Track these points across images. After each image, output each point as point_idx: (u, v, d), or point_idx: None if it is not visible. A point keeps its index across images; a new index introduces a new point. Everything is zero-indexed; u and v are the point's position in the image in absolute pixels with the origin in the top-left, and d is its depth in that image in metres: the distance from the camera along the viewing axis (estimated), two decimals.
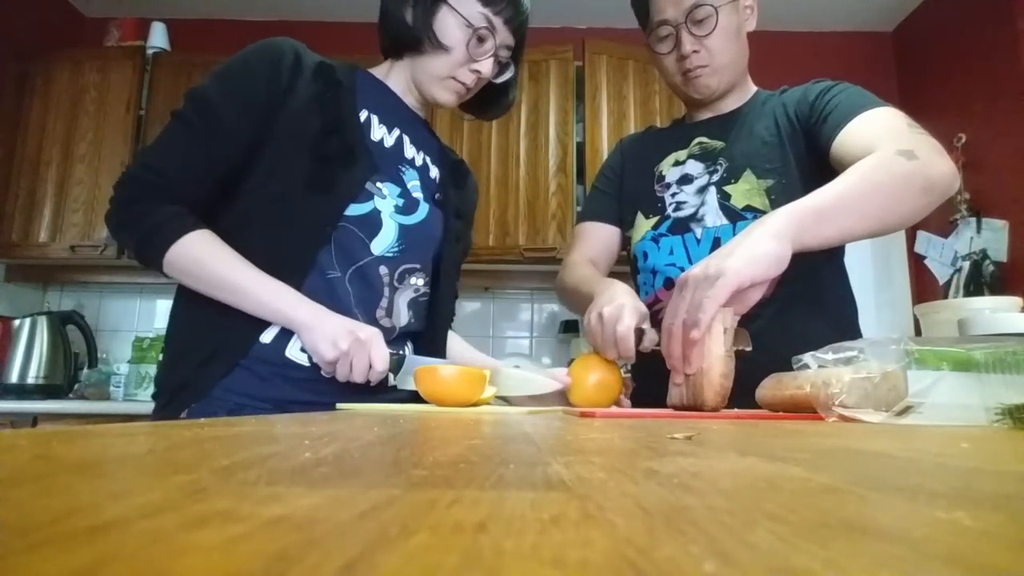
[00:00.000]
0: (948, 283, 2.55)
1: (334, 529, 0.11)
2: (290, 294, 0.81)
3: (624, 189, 1.14)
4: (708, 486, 0.17)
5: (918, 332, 1.30)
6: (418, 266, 0.94)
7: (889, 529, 0.12)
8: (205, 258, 0.81)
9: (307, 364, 0.83)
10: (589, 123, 2.59)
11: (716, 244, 0.98)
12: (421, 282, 0.95)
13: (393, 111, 0.97)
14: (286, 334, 0.82)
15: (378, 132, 0.93)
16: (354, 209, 0.86)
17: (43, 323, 2.41)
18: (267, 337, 0.82)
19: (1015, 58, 2.37)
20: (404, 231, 0.91)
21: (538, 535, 0.11)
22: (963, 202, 2.49)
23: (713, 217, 1.00)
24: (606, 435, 0.36)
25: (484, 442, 0.30)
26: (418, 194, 0.95)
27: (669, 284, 1.00)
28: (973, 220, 2.46)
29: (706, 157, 1.04)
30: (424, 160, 1.00)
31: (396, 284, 0.91)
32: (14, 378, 2.33)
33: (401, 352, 0.85)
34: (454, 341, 1.08)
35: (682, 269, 0.99)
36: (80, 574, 0.08)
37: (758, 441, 0.33)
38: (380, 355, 0.80)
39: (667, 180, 1.06)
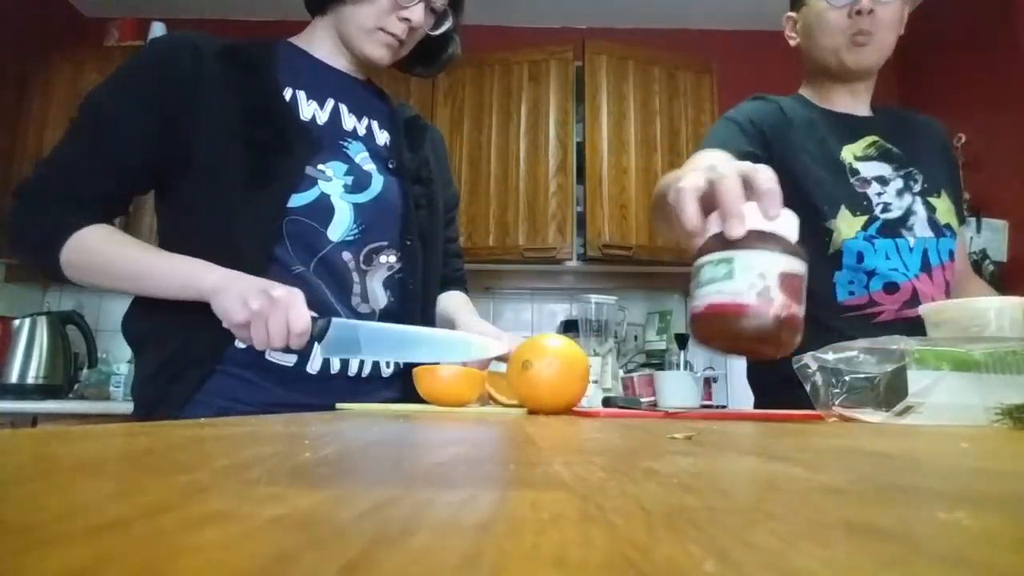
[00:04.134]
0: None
1: (334, 529, 0.11)
2: (196, 264, 0.75)
3: (797, 166, 1.00)
4: (708, 486, 0.17)
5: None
6: (385, 243, 0.88)
7: (889, 529, 0.12)
8: (101, 249, 0.76)
9: (291, 365, 0.79)
10: (589, 123, 2.59)
11: (925, 256, 0.98)
12: (393, 259, 0.89)
13: (322, 81, 0.89)
14: None
15: (308, 109, 0.86)
16: (298, 199, 0.80)
17: (43, 323, 2.41)
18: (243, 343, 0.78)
19: (1015, 58, 2.37)
20: (360, 210, 0.85)
21: (538, 535, 0.11)
22: (963, 202, 2.49)
23: (921, 227, 0.99)
24: (606, 435, 0.36)
25: (484, 442, 0.30)
26: (369, 166, 0.88)
27: (889, 288, 0.97)
28: (973, 220, 2.46)
29: (891, 160, 1.03)
30: (369, 127, 0.92)
31: (364, 267, 0.86)
32: (14, 378, 2.33)
33: (327, 317, 0.77)
34: (451, 301, 1.02)
35: (905, 275, 0.97)
36: (80, 574, 0.08)
37: (758, 441, 0.33)
38: (298, 316, 0.71)
39: (863, 175, 1.01)
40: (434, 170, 1.01)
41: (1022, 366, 0.50)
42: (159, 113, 0.79)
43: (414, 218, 0.92)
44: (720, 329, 0.49)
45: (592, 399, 0.91)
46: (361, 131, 0.91)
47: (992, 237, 2.41)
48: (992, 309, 0.65)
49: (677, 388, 1.41)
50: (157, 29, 2.79)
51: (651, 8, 2.96)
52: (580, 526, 0.12)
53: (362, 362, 0.85)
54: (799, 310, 0.49)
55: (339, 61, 0.92)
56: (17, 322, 2.40)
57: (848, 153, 1.03)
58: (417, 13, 0.85)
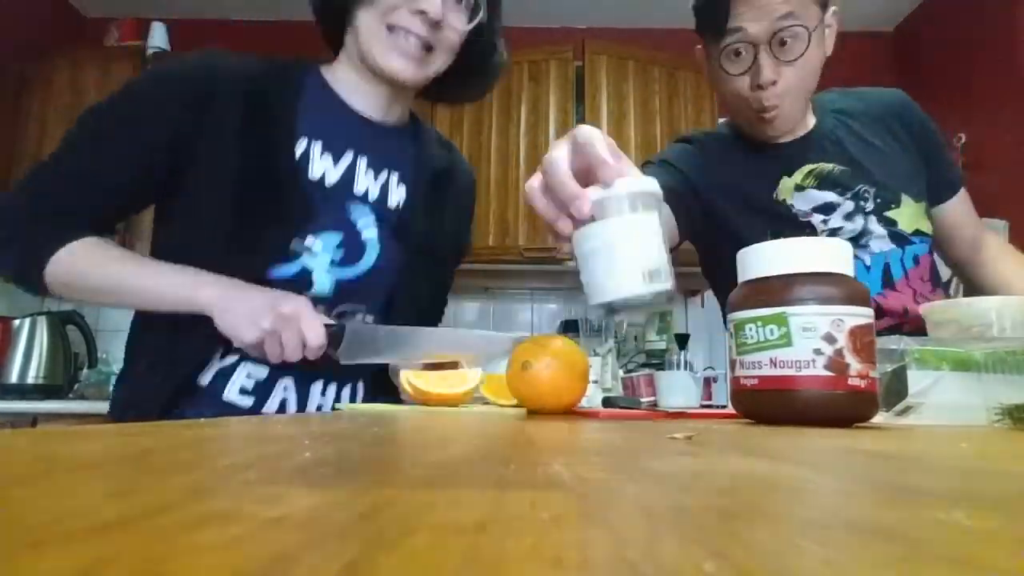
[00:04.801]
0: (948, 283, 2.55)
1: (334, 529, 0.11)
2: (188, 275, 0.71)
3: (725, 217, 0.95)
4: (708, 486, 0.17)
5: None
6: (363, 307, 0.84)
7: (889, 529, 0.12)
8: (87, 264, 0.72)
9: (247, 407, 0.76)
10: (589, 123, 2.59)
11: (887, 270, 0.92)
12: (370, 319, 0.85)
13: (345, 130, 0.83)
14: (223, 376, 0.75)
15: (320, 166, 0.79)
16: (278, 271, 0.76)
17: (43, 323, 2.41)
18: (204, 379, 0.75)
19: (1015, 58, 2.37)
20: (341, 285, 0.80)
21: (538, 535, 0.11)
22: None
23: (878, 243, 0.93)
24: (606, 435, 0.36)
25: (484, 442, 0.30)
26: (371, 232, 0.82)
27: None
28: None
29: (835, 184, 0.93)
30: (386, 183, 0.85)
31: (336, 319, 0.81)
32: (14, 378, 2.33)
33: (341, 322, 0.74)
34: None
35: None
36: (80, 574, 0.08)
37: (758, 441, 0.33)
38: (312, 329, 0.68)
39: (801, 208, 0.93)
40: (449, 224, 0.94)
41: (1022, 366, 0.50)
42: (159, 147, 0.75)
43: (407, 292, 0.88)
44: (780, 406, 0.40)
45: (592, 399, 0.91)
46: (375, 191, 0.84)
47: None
48: (994, 309, 0.65)
49: (677, 388, 1.41)
50: (157, 29, 2.79)
51: (651, 8, 2.95)
52: (580, 526, 0.12)
53: (323, 398, 0.82)
54: (875, 371, 0.40)
55: (366, 99, 0.84)
56: (17, 322, 2.40)
57: (785, 188, 0.95)
58: (432, 3, 0.74)
